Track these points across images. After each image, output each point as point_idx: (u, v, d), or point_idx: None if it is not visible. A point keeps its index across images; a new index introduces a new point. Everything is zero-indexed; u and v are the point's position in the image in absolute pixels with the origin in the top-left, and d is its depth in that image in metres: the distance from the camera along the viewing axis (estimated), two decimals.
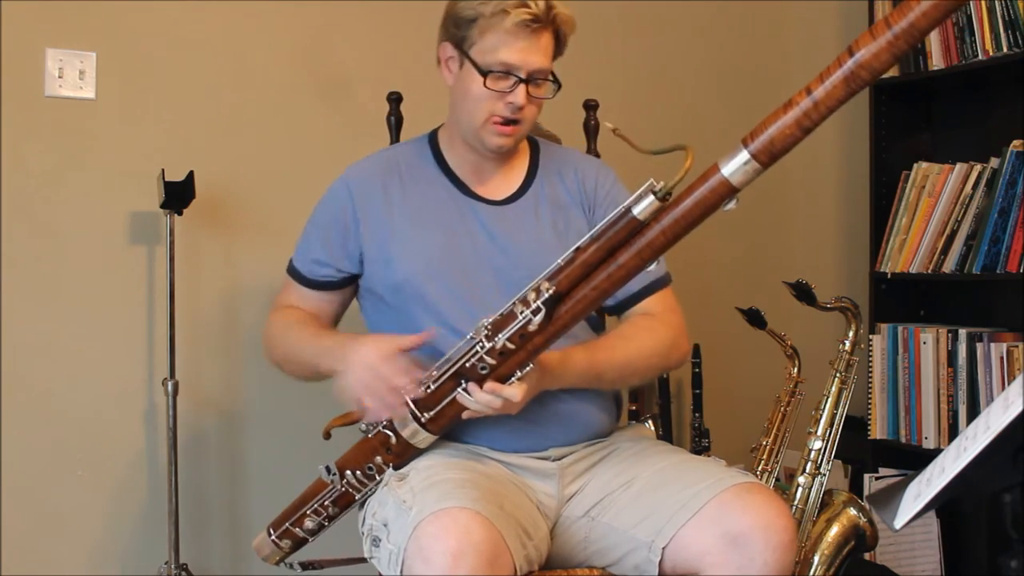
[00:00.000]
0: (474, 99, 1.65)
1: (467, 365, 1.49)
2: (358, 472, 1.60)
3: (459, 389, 1.50)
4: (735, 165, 1.32)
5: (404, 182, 1.74)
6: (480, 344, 1.48)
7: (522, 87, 1.63)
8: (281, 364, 1.76)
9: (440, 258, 1.68)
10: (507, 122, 1.65)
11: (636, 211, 1.39)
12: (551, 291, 1.44)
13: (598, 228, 1.43)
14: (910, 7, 1.19)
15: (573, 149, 1.95)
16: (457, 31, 1.67)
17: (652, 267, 1.45)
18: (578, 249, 1.45)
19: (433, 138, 1.81)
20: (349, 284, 1.78)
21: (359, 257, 1.73)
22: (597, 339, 1.73)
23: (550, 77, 1.67)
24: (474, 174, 1.75)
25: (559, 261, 1.46)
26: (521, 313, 1.45)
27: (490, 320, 1.48)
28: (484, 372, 1.49)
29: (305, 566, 1.77)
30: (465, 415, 1.52)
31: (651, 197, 1.38)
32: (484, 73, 1.63)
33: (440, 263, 1.68)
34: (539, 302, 1.44)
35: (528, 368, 1.49)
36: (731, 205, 1.37)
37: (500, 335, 1.46)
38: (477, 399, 1.48)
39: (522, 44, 1.61)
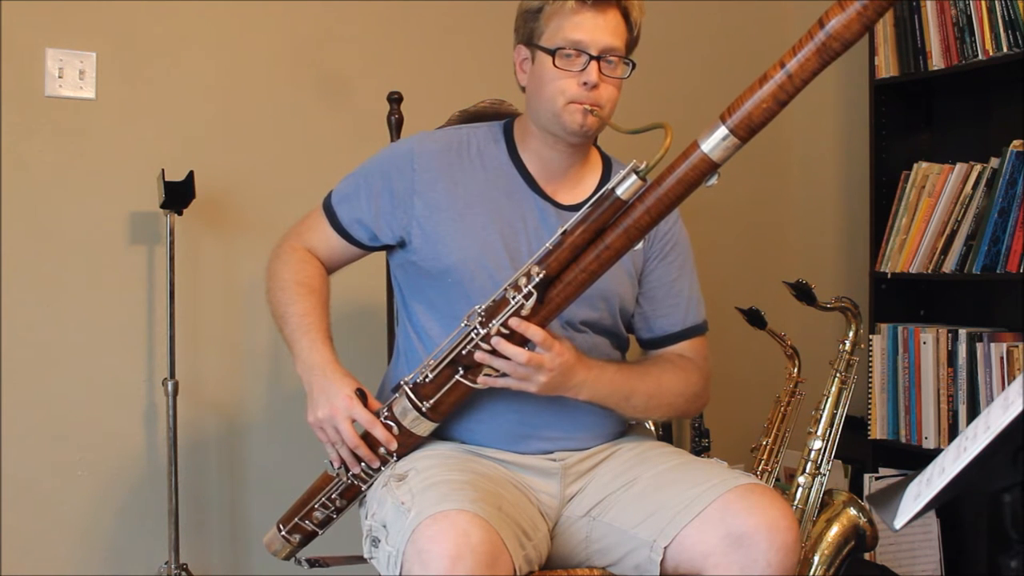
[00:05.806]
0: (549, 85, 1.62)
1: (463, 353, 1.50)
2: (363, 464, 1.60)
3: (479, 340, 1.48)
4: (714, 141, 1.35)
5: (473, 165, 1.70)
6: (475, 331, 1.48)
7: (593, 64, 1.59)
8: (269, 301, 1.73)
9: (494, 249, 1.64)
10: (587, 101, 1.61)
11: (620, 191, 1.41)
12: (541, 275, 1.45)
13: (584, 210, 1.45)
14: None
15: None
16: (526, 27, 1.66)
17: (689, 311, 1.54)
18: (565, 232, 1.46)
19: (508, 128, 1.76)
20: (373, 250, 1.76)
21: (400, 231, 1.68)
22: (630, 363, 1.73)
23: (624, 58, 1.64)
24: (545, 172, 1.71)
25: (547, 245, 1.47)
26: (513, 298, 1.46)
27: (483, 307, 1.49)
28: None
29: (312, 563, 1.78)
30: (483, 382, 1.51)
31: (634, 177, 1.40)
32: (552, 52, 1.60)
33: (494, 254, 1.64)
34: (530, 286, 1.45)
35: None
36: (713, 180, 1.39)
37: (494, 321, 1.47)
38: (504, 351, 1.47)
39: (588, 22, 1.60)
